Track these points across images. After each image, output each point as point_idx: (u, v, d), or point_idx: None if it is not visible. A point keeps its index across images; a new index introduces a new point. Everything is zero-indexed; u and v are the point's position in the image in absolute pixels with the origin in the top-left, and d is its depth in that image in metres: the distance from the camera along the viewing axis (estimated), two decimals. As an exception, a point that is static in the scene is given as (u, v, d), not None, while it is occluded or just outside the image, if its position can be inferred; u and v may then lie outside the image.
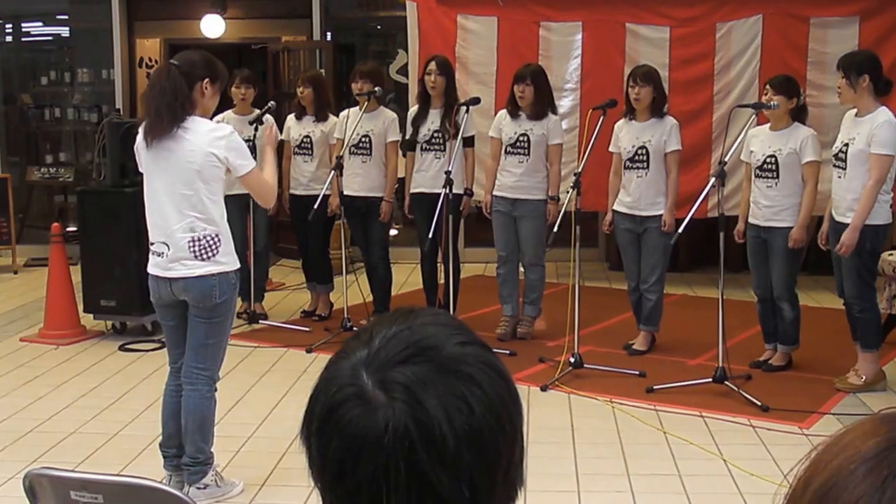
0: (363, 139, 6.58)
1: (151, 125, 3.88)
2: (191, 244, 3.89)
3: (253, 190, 4.14)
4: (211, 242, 3.90)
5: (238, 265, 4.02)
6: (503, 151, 6.30)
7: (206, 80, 3.90)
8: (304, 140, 6.92)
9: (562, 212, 5.50)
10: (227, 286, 3.94)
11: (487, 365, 0.99)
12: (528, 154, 6.22)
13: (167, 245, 3.92)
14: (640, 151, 5.92)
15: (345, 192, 6.58)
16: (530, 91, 6.16)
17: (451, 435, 0.93)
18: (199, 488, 4.09)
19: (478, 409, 0.95)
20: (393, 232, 8.59)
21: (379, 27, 10.64)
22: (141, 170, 4.06)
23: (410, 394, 0.94)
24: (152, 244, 3.97)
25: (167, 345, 4.17)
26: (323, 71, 8.59)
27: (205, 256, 3.90)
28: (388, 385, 0.95)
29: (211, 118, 4.07)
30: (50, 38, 10.92)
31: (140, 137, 3.97)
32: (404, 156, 6.68)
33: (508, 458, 0.98)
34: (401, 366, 0.96)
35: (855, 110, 5.21)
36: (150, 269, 3.99)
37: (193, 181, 3.87)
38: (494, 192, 6.37)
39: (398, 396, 0.94)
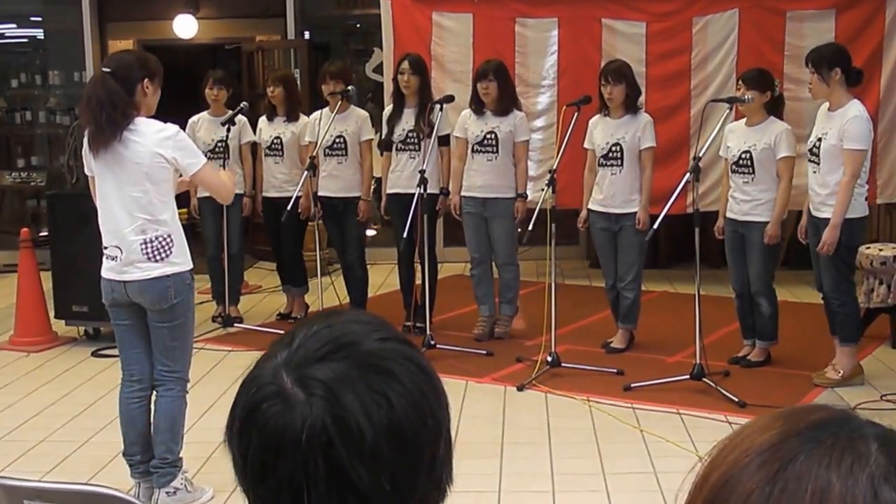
0: (337, 140, 6.51)
1: (94, 137, 3.83)
2: (143, 246, 3.85)
3: (207, 187, 4.13)
4: (163, 243, 3.86)
5: (192, 265, 3.98)
6: (470, 150, 6.23)
7: (145, 79, 3.85)
8: (275, 142, 6.85)
9: (537, 209, 5.43)
10: (183, 286, 3.91)
11: (408, 360, 1.00)
12: (497, 152, 6.15)
13: (120, 249, 3.88)
14: (614, 148, 5.86)
15: (321, 193, 6.50)
16: (494, 87, 6.09)
17: (370, 430, 0.93)
18: (168, 493, 4.05)
19: (397, 403, 0.95)
20: (371, 232, 8.53)
21: (359, 25, 10.57)
22: (87, 172, 4.02)
23: (328, 390, 0.94)
24: (106, 248, 3.94)
25: (120, 349, 4.10)
26: (298, 71, 8.52)
27: (158, 258, 3.86)
28: (307, 382, 0.95)
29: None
30: (23, 40, 10.80)
31: (86, 143, 3.92)
32: (381, 155, 6.62)
33: (432, 452, 0.98)
34: (319, 363, 0.96)
35: (827, 105, 5.17)
36: (104, 273, 3.95)
37: (142, 182, 3.82)
38: (464, 193, 6.29)
39: (317, 393, 0.94)
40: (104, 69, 3.87)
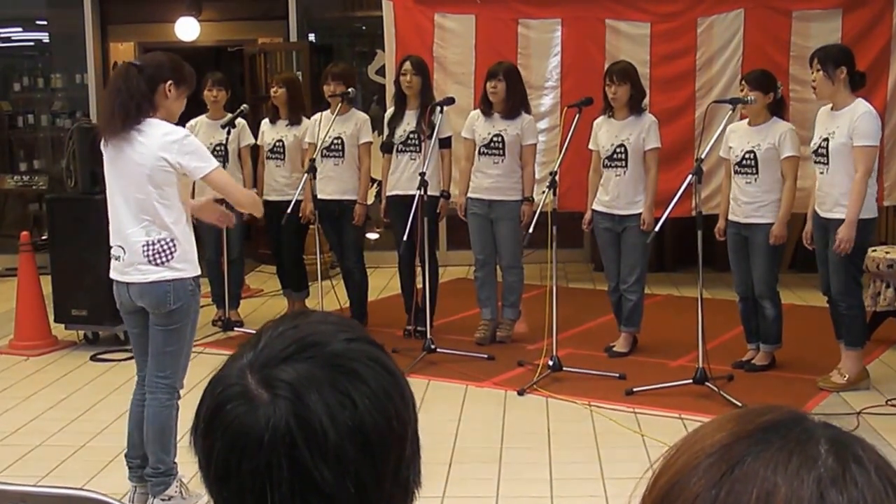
0: (335, 142, 6.46)
1: (105, 124, 3.82)
2: (145, 248, 3.81)
3: (221, 192, 4.02)
4: (165, 247, 3.81)
5: (198, 272, 3.93)
6: (477, 152, 6.17)
7: (170, 81, 3.79)
8: (277, 145, 6.80)
9: (537, 212, 5.37)
10: (184, 292, 3.84)
11: (374, 361, 0.99)
12: (504, 154, 6.09)
13: (123, 249, 3.85)
14: (618, 150, 5.81)
15: (318, 196, 6.45)
16: (502, 87, 6.03)
17: (333, 430, 0.93)
18: (163, 500, 4.00)
19: (362, 404, 0.95)
20: (374, 236, 8.48)
21: (364, 27, 10.52)
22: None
23: (293, 390, 0.94)
24: (111, 248, 3.91)
25: (134, 353, 4.10)
26: (300, 73, 8.47)
27: (158, 261, 3.81)
28: (272, 382, 0.95)
29: (184, 122, 3.97)
30: (27, 43, 10.79)
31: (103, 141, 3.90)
32: (383, 157, 6.56)
33: (398, 454, 0.98)
34: (284, 363, 0.96)
35: (829, 105, 5.10)
36: (111, 274, 3.93)
37: (144, 185, 3.77)
38: (469, 195, 6.24)
39: (281, 394, 0.94)
40: (132, 62, 3.86)
